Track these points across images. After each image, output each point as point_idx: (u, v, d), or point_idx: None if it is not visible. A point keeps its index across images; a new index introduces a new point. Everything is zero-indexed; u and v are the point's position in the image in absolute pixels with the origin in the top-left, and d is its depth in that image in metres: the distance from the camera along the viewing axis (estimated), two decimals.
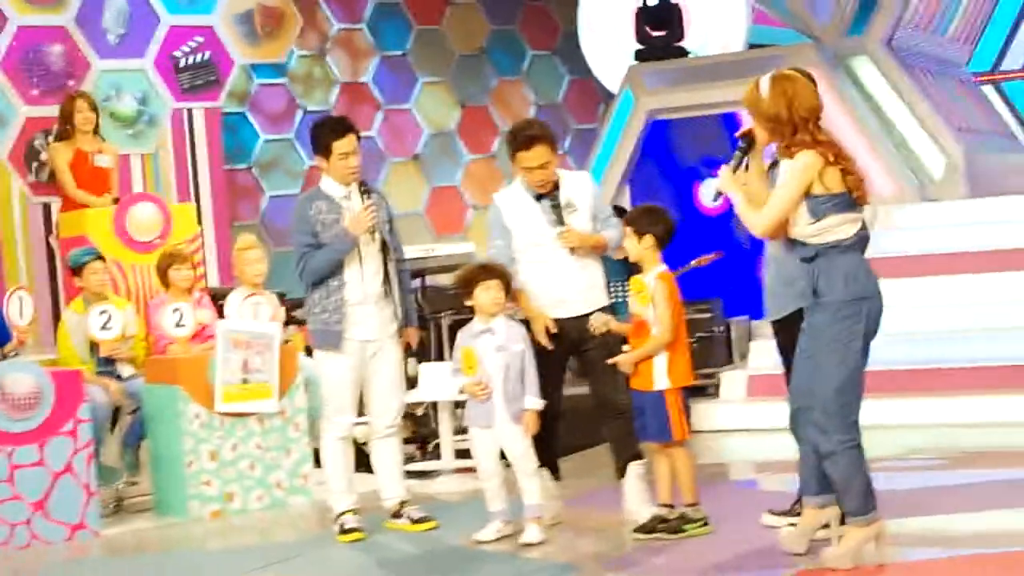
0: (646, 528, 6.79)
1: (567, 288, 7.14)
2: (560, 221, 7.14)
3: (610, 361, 6.86)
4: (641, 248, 6.80)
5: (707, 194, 6.47)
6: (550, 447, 7.23)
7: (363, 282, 7.35)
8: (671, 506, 6.83)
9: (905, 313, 10.62)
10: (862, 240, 6.00)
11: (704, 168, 12.09)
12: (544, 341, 7.06)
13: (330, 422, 7.48)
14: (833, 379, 5.91)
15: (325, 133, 7.38)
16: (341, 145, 7.32)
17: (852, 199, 5.92)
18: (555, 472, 7.33)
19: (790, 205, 5.91)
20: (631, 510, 7.12)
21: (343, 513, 7.43)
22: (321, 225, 7.32)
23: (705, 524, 6.79)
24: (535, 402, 6.93)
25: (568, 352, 7.22)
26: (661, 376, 6.74)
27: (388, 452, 7.56)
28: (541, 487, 7.12)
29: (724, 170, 6.13)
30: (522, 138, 7.12)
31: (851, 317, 5.91)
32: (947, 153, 12.34)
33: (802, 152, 5.89)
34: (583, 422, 7.77)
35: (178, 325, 8.60)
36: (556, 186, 7.21)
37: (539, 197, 7.19)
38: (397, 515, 7.51)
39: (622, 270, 8.50)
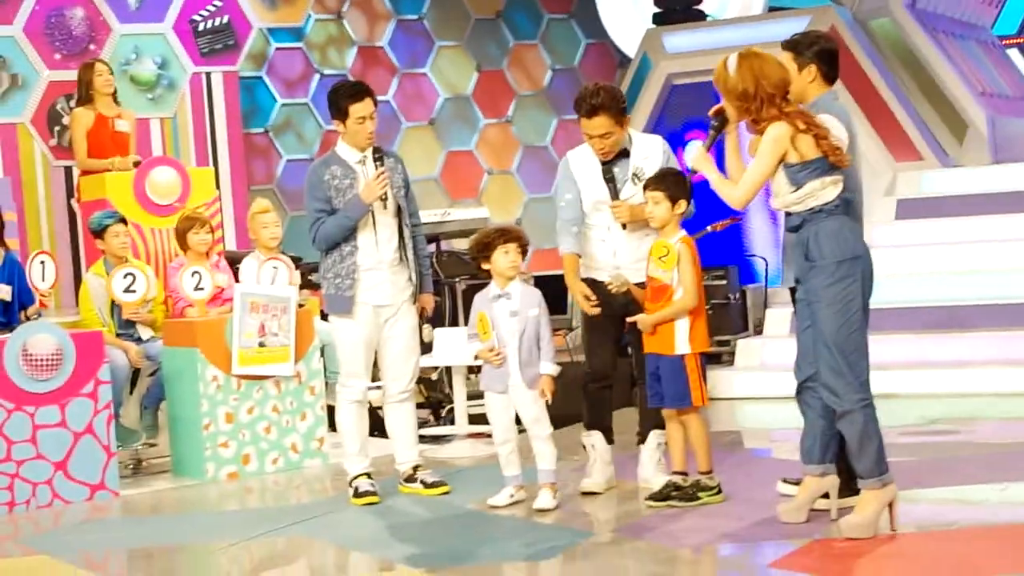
0: (660, 496, 6.82)
1: (622, 256, 7.06)
2: (615, 194, 7.10)
3: (630, 320, 6.83)
4: (674, 213, 6.78)
5: (688, 158, 6.49)
6: (603, 412, 7.19)
7: (376, 247, 7.38)
8: (685, 474, 6.87)
9: (923, 283, 10.69)
10: (846, 203, 6.09)
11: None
12: (587, 308, 7.04)
13: (344, 386, 7.54)
14: (838, 339, 5.98)
15: (342, 96, 7.37)
16: (358, 109, 7.32)
17: (829, 163, 6.01)
18: (609, 436, 7.30)
19: (765, 176, 6.06)
20: (645, 478, 7.18)
21: (357, 476, 7.50)
22: (335, 191, 7.34)
23: (719, 492, 6.83)
24: (551, 367, 6.95)
25: (620, 318, 7.05)
26: (683, 341, 6.74)
27: (402, 417, 7.62)
28: (597, 452, 7.18)
29: (696, 147, 6.32)
30: (585, 107, 7.04)
31: (847, 277, 6.00)
32: (970, 118, 12.31)
33: (772, 124, 6.02)
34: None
35: (196, 288, 8.66)
36: (626, 152, 7.15)
37: (604, 163, 7.15)
38: (410, 479, 7.57)
39: None
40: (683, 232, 6.84)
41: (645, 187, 6.86)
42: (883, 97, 12.15)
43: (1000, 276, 10.57)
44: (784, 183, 6.05)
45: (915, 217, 11.43)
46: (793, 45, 6.52)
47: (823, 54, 6.54)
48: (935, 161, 12.04)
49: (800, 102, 6.24)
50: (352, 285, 7.36)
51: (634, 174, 7.09)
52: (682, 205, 6.77)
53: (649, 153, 7.16)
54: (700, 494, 6.80)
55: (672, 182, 6.81)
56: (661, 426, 7.09)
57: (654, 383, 6.83)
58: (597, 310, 6.98)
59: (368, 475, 7.51)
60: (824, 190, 6.03)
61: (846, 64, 12.21)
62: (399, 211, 7.44)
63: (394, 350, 7.51)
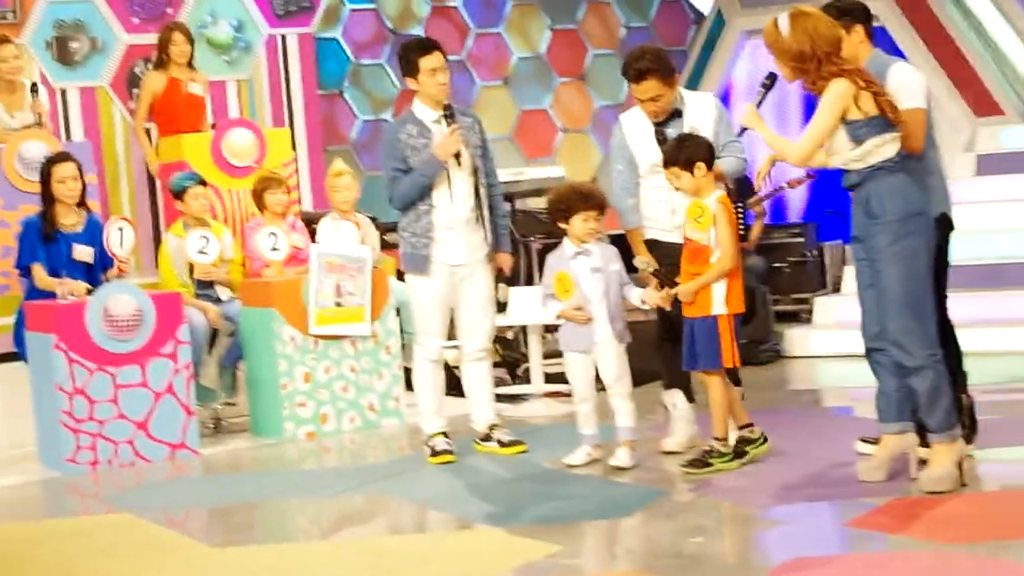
0: (698, 463, 6.77)
1: (681, 215, 6.96)
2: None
3: (672, 292, 6.76)
4: (697, 178, 6.69)
5: (739, 117, 6.44)
6: (681, 371, 7.14)
7: (452, 206, 7.39)
8: (724, 439, 6.81)
9: (1004, 239, 10.58)
10: (905, 159, 6.04)
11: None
12: (656, 301, 6.89)
13: (420, 345, 7.57)
14: (904, 296, 5.95)
15: (412, 51, 7.39)
16: (428, 61, 7.33)
17: (887, 121, 5.95)
18: (689, 395, 7.28)
19: (827, 132, 6.01)
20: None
21: (434, 435, 7.53)
22: (410, 149, 7.36)
23: (733, 458, 6.75)
24: (636, 296, 6.92)
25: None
26: (719, 302, 6.67)
27: (478, 375, 7.64)
28: (678, 411, 7.21)
29: (748, 106, 6.28)
30: (632, 72, 7.03)
31: (912, 234, 5.97)
32: None
33: (834, 81, 5.96)
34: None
35: (273, 249, 8.71)
36: (678, 113, 7.12)
37: (657, 124, 7.12)
38: (487, 438, 7.60)
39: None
40: (720, 192, 6.76)
41: (664, 165, 6.79)
42: (962, 51, 11.99)
43: None
44: (844, 140, 6.00)
45: (996, 173, 11.28)
46: (839, 8, 6.44)
47: (867, 14, 6.51)
48: (1016, 116, 11.88)
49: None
50: (428, 244, 7.38)
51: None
52: (701, 168, 6.66)
53: (702, 112, 7.14)
54: (712, 460, 6.73)
55: (680, 151, 6.72)
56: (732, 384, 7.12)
57: (690, 346, 6.75)
58: (667, 302, 6.85)
59: (444, 434, 7.54)
60: (884, 146, 5.99)
61: (925, 19, 12.15)
62: (476, 170, 7.44)
63: (470, 309, 7.52)
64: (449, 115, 7.37)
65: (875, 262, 6.05)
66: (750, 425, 6.88)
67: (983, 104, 11.91)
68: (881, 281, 6.03)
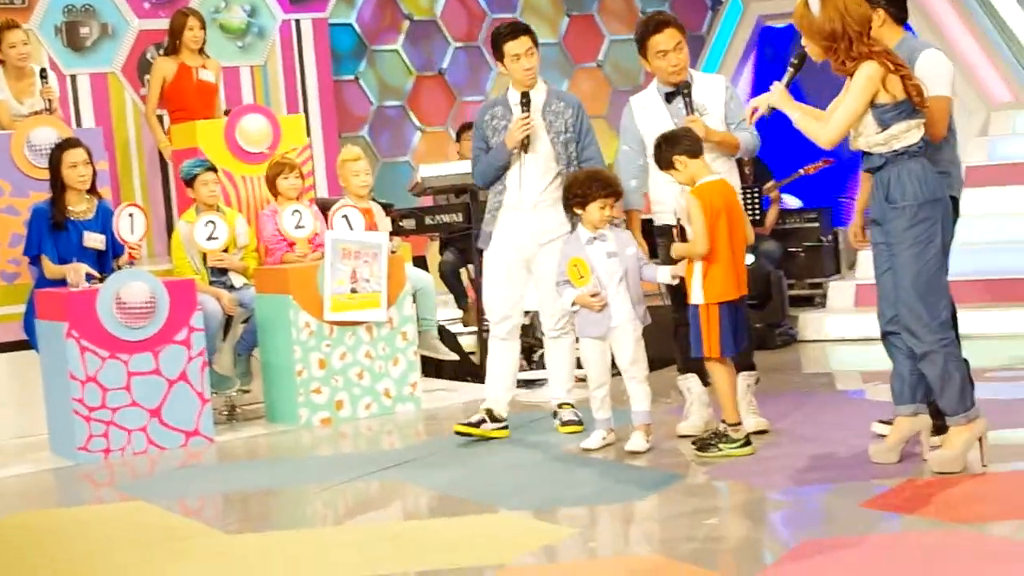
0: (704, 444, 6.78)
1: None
2: (690, 109, 7.05)
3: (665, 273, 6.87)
4: (683, 171, 6.69)
5: (769, 98, 6.37)
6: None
7: (520, 189, 7.50)
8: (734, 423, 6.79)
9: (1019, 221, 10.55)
10: (926, 145, 6.04)
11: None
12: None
13: (490, 323, 7.77)
14: (916, 280, 5.96)
15: (499, 36, 7.54)
16: (512, 47, 7.46)
17: (913, 106, 5.93)
18: (705, 379, 7.23)
19: (857, 115, 5.98)
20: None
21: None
22: (492, 130, 7.54)
23: (745, 444, 6.71)
24: (665, 274, 6.92)
25: None
26: (697, 291, 6.68)
27: (552, 353, 7.72)
28: (693, 395, 7.24)
29: (778, 86, 6.25)
30: (652, 24, 7.11)
31: (929, 219, 5.97)
32: None
33: (864, 63, 5.94)
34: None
35: (298, 227, 8.71)
36: (687, 86, 7.11)
37: (669, 99, 7.12)
38: (554, 415, 7.72)
39: None
40: (707, 179, 6.71)
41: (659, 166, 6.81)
42: (977, 37, 11.94)
43: None
44: (870, 123, 5.99)
45: (1009, 159, 11.24)
46: None
47: None
48: None
49: None
50: (492, 221, 7.58)
51: (696, 110, 7.06)
52: (683, 161, 6.66)
53: (711, 90, 7.15)
54: (722, 445, 6.72)
55: (659, 155, 6.75)
56: (750, 368, 7.14)
57: (689, 331, 6.81)
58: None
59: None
60: (909, 132, 5.98)
61: (940, 3, 12.08)
62: (558, 156, 7.48)
63: (543, 288, 7.59)
64: (525, 102, 7.46)
65: (892, 246, 6.05)
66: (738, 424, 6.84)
67: (998, 90, 11.86)
68: (895, 265, 6.02)
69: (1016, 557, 4.95)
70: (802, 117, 6.18)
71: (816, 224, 11.45)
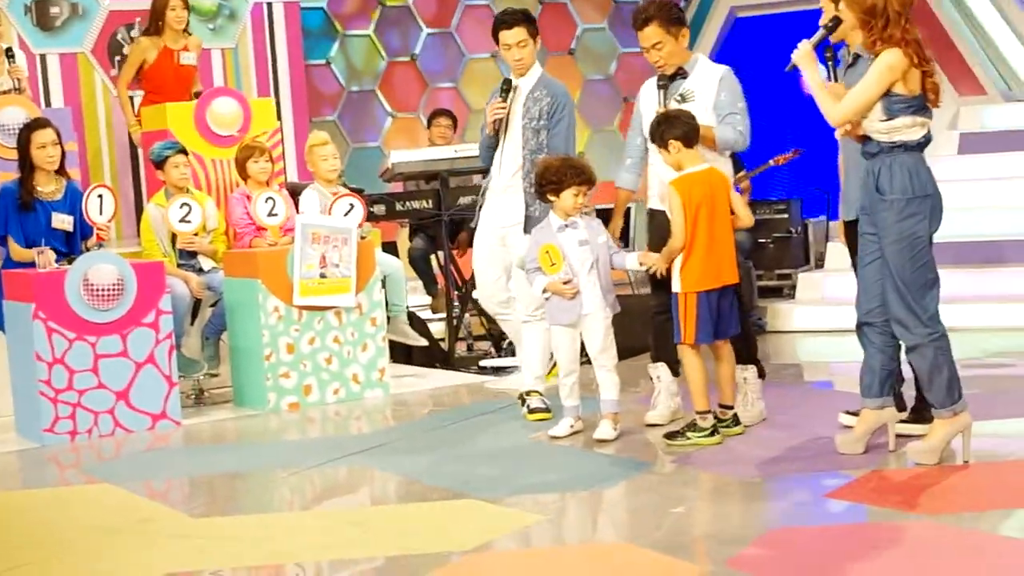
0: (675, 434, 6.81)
1: None
2: (664, 102, 7.03)
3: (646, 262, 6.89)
4: (673, 155, 6.71)
5: (793, 55, 6.30)
6: (670, 344, 6.98)
7: (499, 171, 7.77)
8: (710, 412, 6.81)
9: (986, 217, 10.59)
10: (926, 142, 6.05)
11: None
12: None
13: (493, 306, 8.07)
14: (905, 275, 5.97)
15: (495, 24, 7.75)
16: (505, 36, 7.69)
17: (925, 103, 5.93)
18: (675, 368, 7.22)
19: (871, 101, 5.96)
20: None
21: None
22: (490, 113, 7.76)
23: (713, 433, 6.75)
24: (633, 260, 6.98)
25: None
26: (675, 280, 6.74)
27: (525, 337, 7.74)
28: (662, 384, 7.26)
29: (805, 45, 6.18)
30: (638, 20, 7.09)
31: (917, 214, 5.97)
32: None
33: (889, 50, 5.90)
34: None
35: (270, 215, 8.69)
36: (685, 75, 7.08)
37: (661, 86, 7.13)
38: (522, 402, 7.70)
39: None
40: (692, 169, 6.72)
41: (653, 139, 6.84)
42: (946, 30, 11.99)
43: None
44: (878, 109, 5.95)
45: (978, 152, 11.31)
46: None
47: None
48: (998, 96, 11.90)
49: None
50: (482, 205, 7.86)
51: (681, 94, 7.02)
52: (676, 145, 6.67)
53: (705, 78, 7.06)
54: (690, 434, 6.75)
55: (656, 129, 6.76)
56: (750, 360, 7.18)
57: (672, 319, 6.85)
58: (664, 261, 6.84)
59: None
60: (912, 128, 5.96)
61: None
62: (526, 142, 7.62)
63: (514, 273, 7.76)
64: (505, 88, 7.69)
65: (881, 238, 6.05)
66: (730, 407, 6.87)
67: (966, 83, 11.93)
68: (884, 257, 6.03)
69: (974, 547, 4.99)
70: (819, 84, 6.11)
71: (786, 215, 11.48)
